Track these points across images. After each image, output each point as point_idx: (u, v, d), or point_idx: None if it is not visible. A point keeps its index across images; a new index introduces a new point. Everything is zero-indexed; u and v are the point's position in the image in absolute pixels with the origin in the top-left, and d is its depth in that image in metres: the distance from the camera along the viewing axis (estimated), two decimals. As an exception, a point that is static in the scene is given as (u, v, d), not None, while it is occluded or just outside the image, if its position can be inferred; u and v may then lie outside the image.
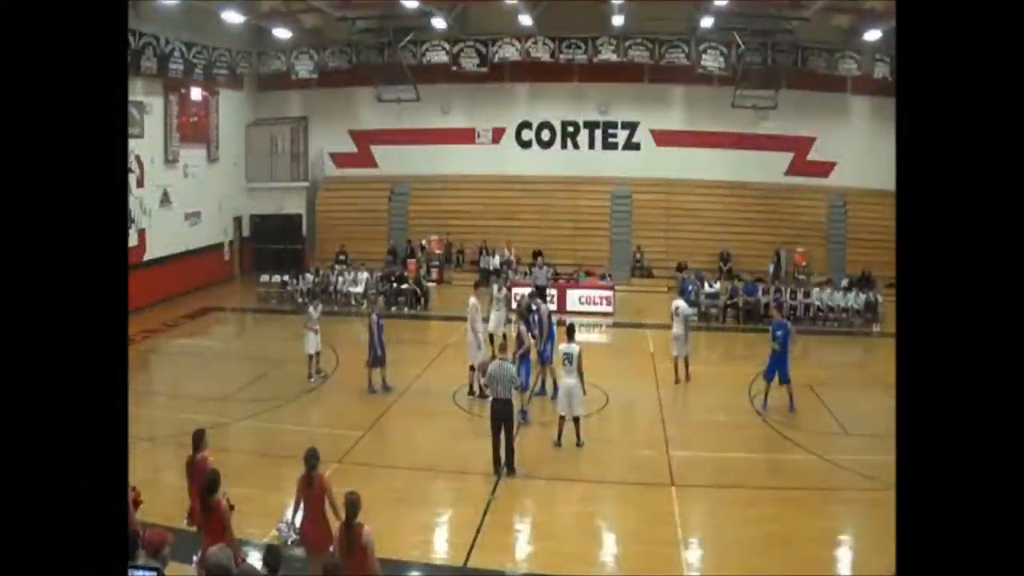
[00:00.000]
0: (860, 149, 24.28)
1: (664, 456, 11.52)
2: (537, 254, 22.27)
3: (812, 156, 25.35)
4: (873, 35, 21.35)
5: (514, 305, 16.21)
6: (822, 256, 24.52)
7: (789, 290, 20.83)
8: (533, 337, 13.96)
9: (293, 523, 7.27)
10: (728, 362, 18.30)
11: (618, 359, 17.87)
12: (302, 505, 7.28)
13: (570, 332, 12.36)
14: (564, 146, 26.62)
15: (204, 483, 6.92)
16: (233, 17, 21.02)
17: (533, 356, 14.01)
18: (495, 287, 16.92)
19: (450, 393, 14.24)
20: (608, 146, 26.40)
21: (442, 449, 11.87)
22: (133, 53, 19.74)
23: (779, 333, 13.43)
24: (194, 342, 19.15)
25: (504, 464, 10.80)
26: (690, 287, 21.38)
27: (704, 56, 23.82)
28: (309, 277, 22.79)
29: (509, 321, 15.67)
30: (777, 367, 13.39)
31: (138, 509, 6.87)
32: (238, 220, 26.89)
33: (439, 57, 25.09)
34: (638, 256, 25.11)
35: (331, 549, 6.72)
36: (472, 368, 13.84)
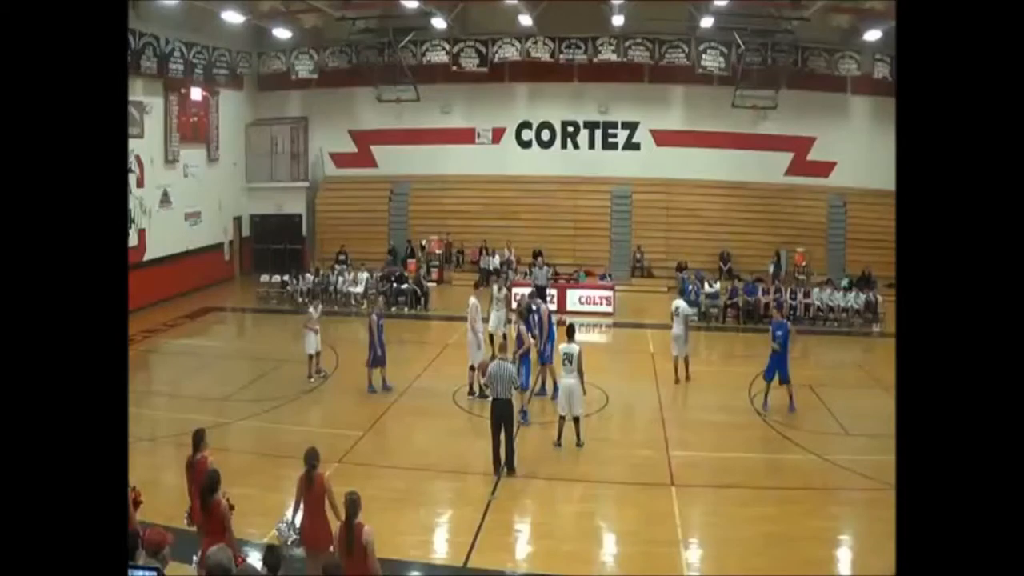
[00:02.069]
0: (860, 149, 24.27)
1: (664, 456, 11.52)
2: (537, 254, 22.24)
3: (812, 156, 25.34)
4: (873, 35, 21.35)
5: (514, 305, 16.20)
6: (822, 256, 24.52)
7: (789, 290, 20.81)
8: (533, 337, 13.96)
9: (293, 523, 7.26)
10: (728, 362, 18.29)
11: (618, 359, 17.86)
12: (302, 505, 7.28)
13: (570, 332, 12.36)
14: (564, 146, 26.60)
15: (204, 483, 6.91)
16: (233, 17, 21.00)
17: (533, 356, 14.01)
18: (495, 287, 16.91)
19: (450, 393, 14.23)
20: (608, 146, 26.37)
21: (442, 449, 11.87)
22: (133, 53, 19.73)
23: (779, 333, 13.43)
24: (194, 342, 19.13)
25: (504, 464, 10.80)
26: (690, 287, 21.41)
27: (704, 56, 23.83)
28: (309, 277, 22.78)
29: (509, 321, 15.65)
30: (777, 367, 13.39)
31: (138, 509, 6.86)
32: (238, 220, 26.87)
33: (439, 57, 25.12)
34: (638, 256, 25.10)
35: (331, 549, 6.72)
36: (472, 368, 13.84)
